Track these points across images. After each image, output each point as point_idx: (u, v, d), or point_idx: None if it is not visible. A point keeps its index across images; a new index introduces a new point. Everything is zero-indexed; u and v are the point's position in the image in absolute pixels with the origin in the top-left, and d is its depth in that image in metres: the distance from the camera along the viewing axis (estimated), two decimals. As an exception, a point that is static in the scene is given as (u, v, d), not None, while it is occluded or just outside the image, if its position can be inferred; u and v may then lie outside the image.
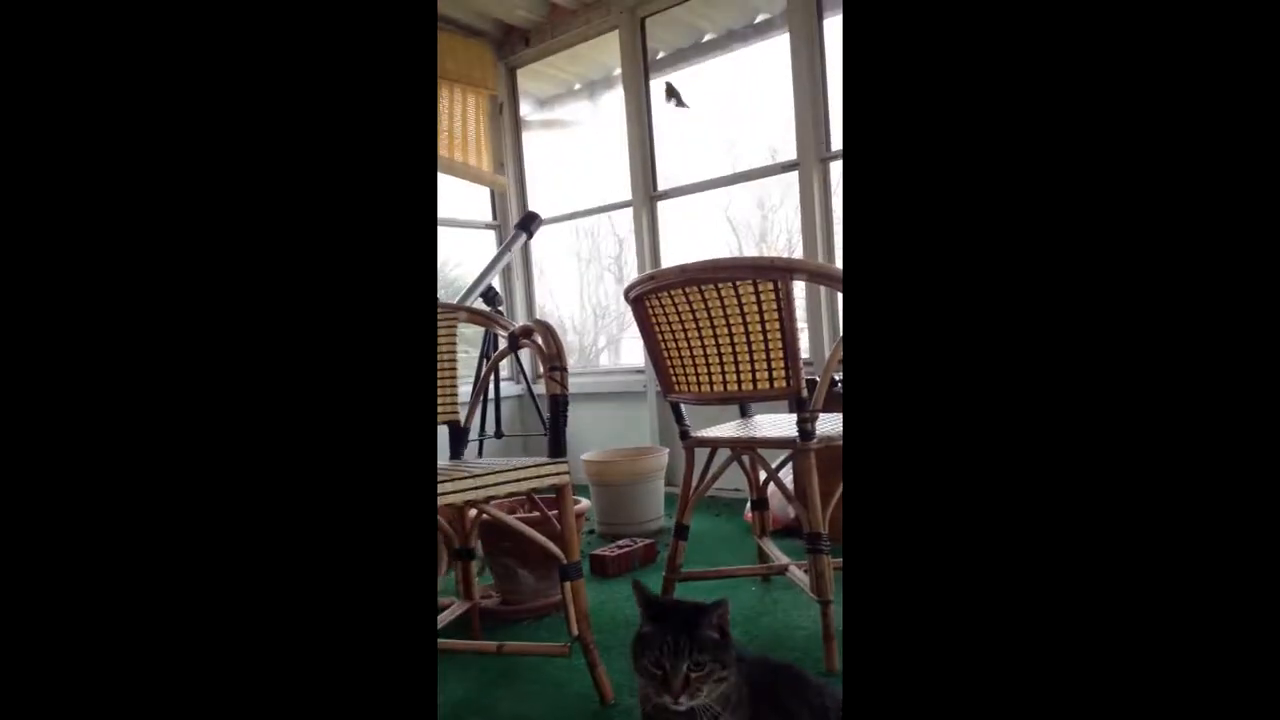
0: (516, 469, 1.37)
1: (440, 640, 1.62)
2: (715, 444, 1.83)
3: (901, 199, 0.55)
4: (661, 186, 3.55)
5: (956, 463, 0.52)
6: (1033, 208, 0.52)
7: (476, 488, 1.30)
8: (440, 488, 1.25)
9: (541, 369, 1.53)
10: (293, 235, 0.59)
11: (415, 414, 0.61)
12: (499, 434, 3.16)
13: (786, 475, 1.90)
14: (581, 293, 4.35)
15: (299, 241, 0.59)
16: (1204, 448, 0.48)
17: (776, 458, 1.88)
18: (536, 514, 1.66)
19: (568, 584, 1.42)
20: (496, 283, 3.32)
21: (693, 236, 3.60)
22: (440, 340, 1.77)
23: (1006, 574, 0.51)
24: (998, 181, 0.53)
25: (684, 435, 1.85)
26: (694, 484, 1.84)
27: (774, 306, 1.58)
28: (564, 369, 1.45)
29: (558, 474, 1.42)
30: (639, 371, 3.55)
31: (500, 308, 3.20)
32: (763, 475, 2.07)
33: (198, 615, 0.55)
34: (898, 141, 0.55)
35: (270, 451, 0.57)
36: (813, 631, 1.61)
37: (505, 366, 3.87)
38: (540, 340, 1.48)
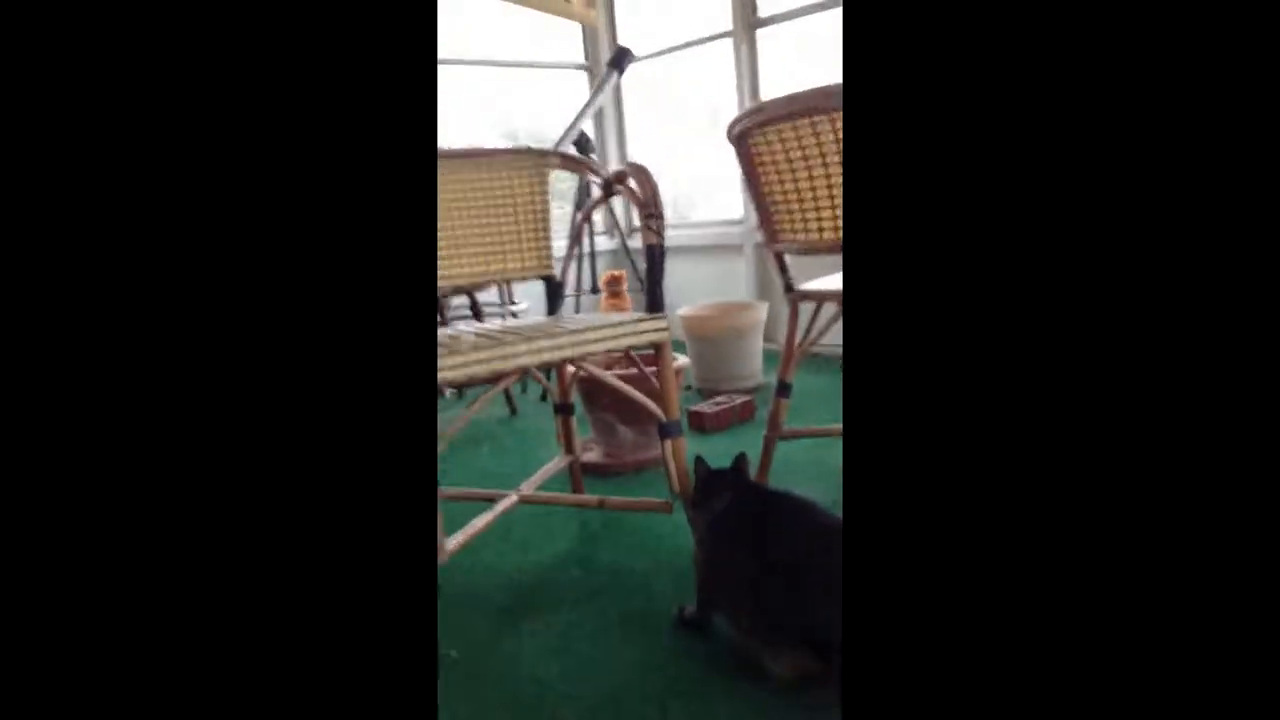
0: (614, 325, 1.31)
1: (543, 493, 1.64)
2: (821, 298, 1.71)
3: None
4: (764, 12, 3.23)
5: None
6: None
7: (574, 344, 1.25)
8: (537, 344, 1.21)
9: (637, 218, 1.43)
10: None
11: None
12: (595, 289, 3.10)
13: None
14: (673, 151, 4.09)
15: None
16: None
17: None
18: (634, 370, 1.61)
19: (668, 442, 1.38)
20: (589, 129, 3.16)
21: (801, 77, 3.28)
22: (533, 190, 1.68)
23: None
24: None
25: (788, 288, 1.74)
26: (797, 339, 1.75)
27: (895, 143, 1.41)
28: (660, 216, 1.35)
29: (656, 330, 1.35)
30: (737, 223, 3.39)
31: (593, 154, 3.06)
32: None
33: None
34: None
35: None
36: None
37: (600, 220, 3.77)
38: (635, 185, 1.37)
